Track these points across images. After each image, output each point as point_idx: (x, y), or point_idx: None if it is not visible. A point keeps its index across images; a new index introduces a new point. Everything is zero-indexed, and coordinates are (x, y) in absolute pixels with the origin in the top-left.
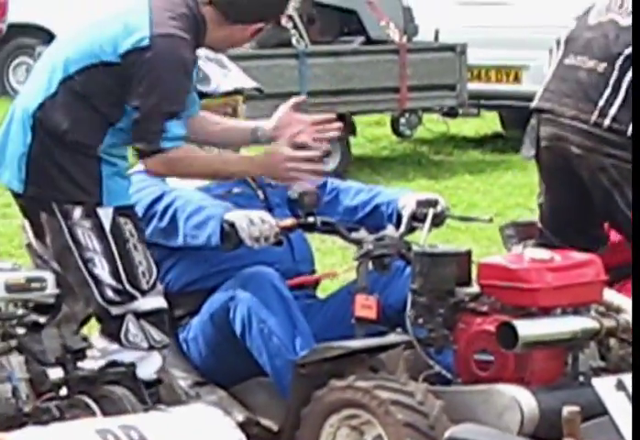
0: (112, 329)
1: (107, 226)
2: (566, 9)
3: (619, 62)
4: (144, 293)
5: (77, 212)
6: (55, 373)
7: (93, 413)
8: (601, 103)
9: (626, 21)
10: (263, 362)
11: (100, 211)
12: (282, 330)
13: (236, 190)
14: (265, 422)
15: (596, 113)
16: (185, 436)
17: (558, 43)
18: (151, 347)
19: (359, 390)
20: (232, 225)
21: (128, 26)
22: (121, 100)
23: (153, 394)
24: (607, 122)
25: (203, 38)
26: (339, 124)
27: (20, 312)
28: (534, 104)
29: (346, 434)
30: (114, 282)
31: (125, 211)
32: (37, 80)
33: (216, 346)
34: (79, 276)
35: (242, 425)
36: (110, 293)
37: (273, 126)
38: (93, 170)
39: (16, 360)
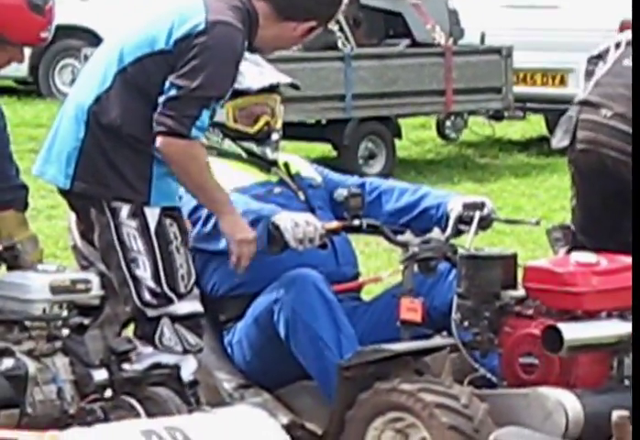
0: (147, 331)
1: (152, 227)
2: (610, 13)
3: None
4: (181, 297)
5: (125, 210)
6: (99, 375)
7: (137, 415)
8: None
9: None
10: (308, 365)
11: (147, 211)
12: (327, 333)
13: (276, 190)
14: (309, 425)
15: None
16: (229, 438)
17: (618, 45)
18: (186, 351)
19: (404, 392)
20: (277, 227)
21: (183, 15)
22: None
23: (193, 395)
24: None
25: (254, 34)
26: None
27: (65, 313)
28: (580, 97)
29: (390, 436)
30: (153, 284)
31: (171, 212)
32: (90, 76)
33: (261, 349)
34: (120, 275)
35: (287, 428)
36: (147, 295)
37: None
38: (145, 168)
39: (61, 362)
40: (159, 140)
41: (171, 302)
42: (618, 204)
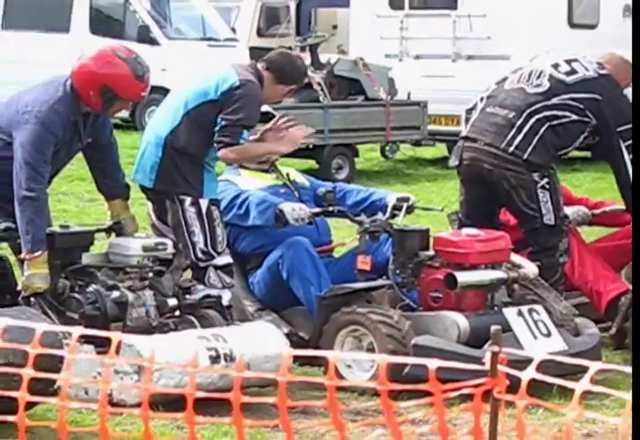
0: (200, 275)
1: (204, 211)
2: (488, 79)
3: (524, 114)
4: (219, 254)
5: (187, 201)
6: (172, 302)
7: (195, 327)
8: (509, 137)
9: (531, 89)
10: (300, 296)
11: (201, 201)
12: (312, 276)
13: (281, 190)
14: (301, 334)
15: (505, 143)
16: (251, 341)
17: (482, 99)
18: (224, 287)
19: (359, 314)
20: (282, 211)
21: (222, 76)
22: (211, 126)
23: (229, 315)
24: (511, 149)
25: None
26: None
27: (150, 263)
28: (462, 133)
29: (350, 341)
30: (203, 247)
31: (214, 202)
32: (165, 115)
33: (272, 286)
34: (184, 241)
35: (287, 335)
36: (200, 254)
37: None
38: (199, 174)
39: (149, 294)
40: (220, 152)
41: (214, 257)
42: (490, 199)
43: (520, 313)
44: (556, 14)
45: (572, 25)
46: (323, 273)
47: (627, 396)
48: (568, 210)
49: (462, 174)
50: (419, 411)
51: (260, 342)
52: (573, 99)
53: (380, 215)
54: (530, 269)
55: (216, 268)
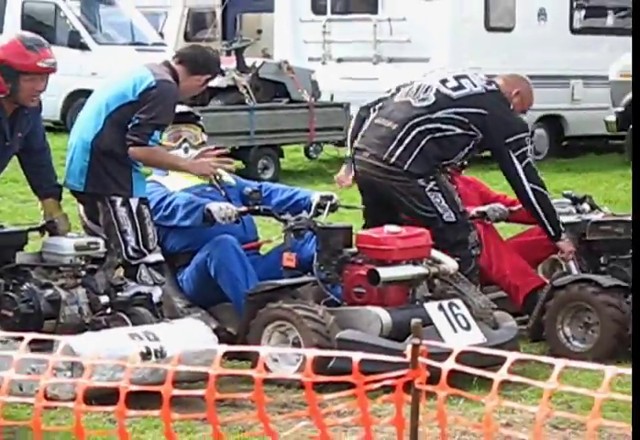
0: (132, 273)
1: (135, 210)
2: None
3: (406, 126)
4: (151, 252)
5: (118, 202)
6: (104, 299)
7: (126, 324)
8: (390, 148)
9: (416, 103)
10: (228, 292)
11: (131, 201)
12: (239, 273)
13: (208, 189)
14: (229, 329)
15: (387, 154)
16: (181, 337)
17: (374, 109)
18: (155, 284)
19: (285, 309)
20: (209, 210)
21: (138, 77)
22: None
23: (159, 312)
24: (392, 160)
25: (177, 86)
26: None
27: (83, 262)
28: (354, 145)
29: (277, 336)
30: (135, 245)
31: (144, 201)
32: (87, 120)
33: (200, 283)
34: (116, 240)
35: (214, 331)
36: (132, 252)
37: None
38: (128, 174)
39: (81, 292)
40: (129, 150)
41: (145, 255)
42: (388, 207)
43: (440, 308)
44: (473, 17)
45: (489, 28)
46: (249, 270)
47: (545, 385)
48: (486, 207)
49: (358, 184)
50: (343, 402)
51: (190, 338)
52: (457, 113)
53: (304, 214)
54: (450, 264)
55: (148, 265)
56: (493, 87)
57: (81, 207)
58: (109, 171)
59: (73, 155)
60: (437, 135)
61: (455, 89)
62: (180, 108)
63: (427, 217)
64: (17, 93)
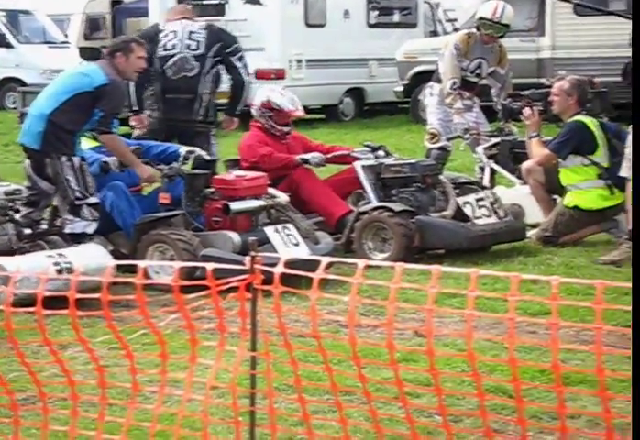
0: (77, 211)
1: (77, 166)
2: (251, 66)
3: None
4: (91, 195)
5: (64, 159)
6: (27, 231)
7: (44, 249)
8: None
9: None
10: (120, 224)
11: (74, 158)
12: (127, 209)
13: (104, 149)
14: (122, 250)
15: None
16: (85, 257)
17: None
18: (94, 219)
19: (163, 235)
20: (106, 163)
21: (93, 74)
22: (91, 110)
23: (79, 242)
24: None
25: (123, 73)
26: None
27: (10, 204)
28: None
29: (157, 254)
30: (78, 192)
31: (83, 159)
32: (47, 97)
33: (99, 217)
34: (63, 187)
35: (111, 252)
36: (77, 194)
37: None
38: (73, 141)
39: (10, 226)
40: (101, 136)
41: (87, 197)
42: None
43: (276, 230)
44: (296, 17)
45: (308, 25)
46: (135, 207)
47: (352, 280)
48: (308, 155)
49: None
50: (201, 300)
51: (92, 257)
52: None
53: (174, 164)
54: (282, 198)
55: (89, 205)
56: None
57: (27, 162)
58: (59, 137)
59: (32, 122)
60: None
61: None
62: None
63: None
64: None
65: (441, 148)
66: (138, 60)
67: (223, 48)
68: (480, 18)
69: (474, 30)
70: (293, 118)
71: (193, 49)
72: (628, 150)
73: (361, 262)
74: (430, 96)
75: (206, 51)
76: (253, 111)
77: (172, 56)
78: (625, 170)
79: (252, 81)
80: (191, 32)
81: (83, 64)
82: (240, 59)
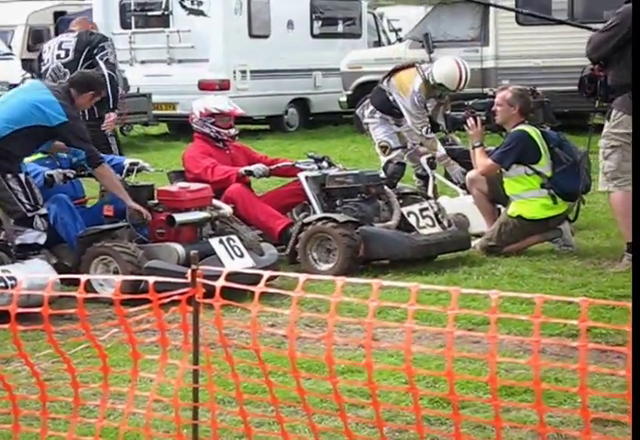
0: (29, 222)
1: (23, 179)
2: (194, 77)
3: None
4: (41, 207)
5: (10, 175)
6: None
7: None
8: None
9: None
10: (64, 236)
11: (20, 175)
12: (71, 221)
13: (47, 162)
14: (66, 263)
15: None
16: (29, 271)
17: None
18: (45, 230)
19: (107, 247)
20: (51, 176)
21: (51, 109)
22: (44, 141)
23: (25, 256)
24: None
25: (78, 106)
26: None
27: None
28: None
29: (101, 267)
30: (28, 205)
31: (28, 174)
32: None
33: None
34: (13, 201)
35: (54, 265)
36: (28, 207)
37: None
38: (18, 160)
39: None
40: (95, 171)
41: (38, 209)
42: None
43: (221, 241)
44: (239, 28)
45: (252, 35)
46: (79, 219)
47: (293, 294)
48: (252, 167)
49: None
50: (144, 313)
51: (36, 272)
52: None
53: (118, 176)
54: (227, 209)
55: (40, 216)
56: None
57: None
58: (7, 158)
59: None
60: None
61: None
62: None
63: None
64: None
65: (399, 163)
66: (88, 102)
67: (92, 49)
68: (440, 85)
69: (426, 74)
70: (235, 118)
71: (62, 58)
72: (602, 164)
73: (303, 276)
74: (371, 118)
75: (77, 57)
76: (193, 124)
77: (48, 69)
78: (603, 184)
79: (195, 90)
80: (62, 42)
81: (35, 85)
82: (103, 55)
